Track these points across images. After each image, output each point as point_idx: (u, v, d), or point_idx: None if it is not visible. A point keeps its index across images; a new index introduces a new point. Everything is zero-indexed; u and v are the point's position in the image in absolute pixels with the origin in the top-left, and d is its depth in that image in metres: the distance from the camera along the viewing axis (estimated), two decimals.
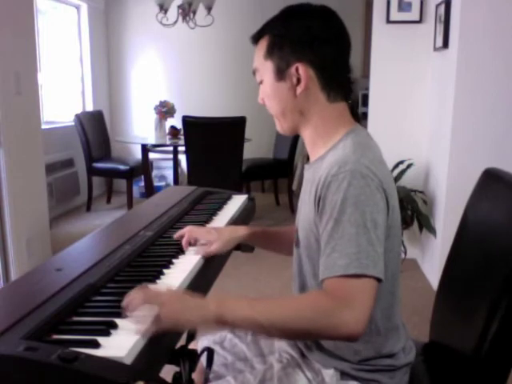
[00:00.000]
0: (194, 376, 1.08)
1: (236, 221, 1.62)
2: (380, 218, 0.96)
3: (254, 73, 1.16)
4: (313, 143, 1.13)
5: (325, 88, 1.09)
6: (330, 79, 1.09)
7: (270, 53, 1.10)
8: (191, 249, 1.30)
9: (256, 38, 1.14)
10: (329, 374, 1.11)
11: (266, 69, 1.11)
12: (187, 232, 1.33)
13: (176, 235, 1.34)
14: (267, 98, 1.14)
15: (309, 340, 1.15)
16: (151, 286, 0.97)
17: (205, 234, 1.32)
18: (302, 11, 1.11)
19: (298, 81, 1.07)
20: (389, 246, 1.01)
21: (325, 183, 0.99)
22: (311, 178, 1.10)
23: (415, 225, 3.31)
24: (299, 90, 1.08)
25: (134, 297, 0.91)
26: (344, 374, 1.10)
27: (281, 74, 1.09)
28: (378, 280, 0.93)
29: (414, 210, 3.26)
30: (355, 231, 0.93)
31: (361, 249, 0.92)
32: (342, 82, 1.12)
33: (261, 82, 1.14)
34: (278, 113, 1.14)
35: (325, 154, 1.09)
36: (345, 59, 1.11)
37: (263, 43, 1.11)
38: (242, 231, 1.36)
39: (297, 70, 1.07)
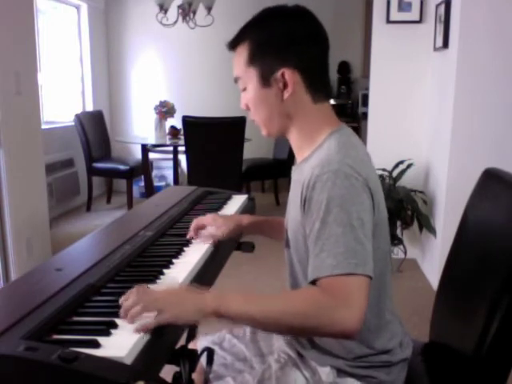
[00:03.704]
0: (194, 376, 1.08)
1: None
2: (366, 216, 0.96)
3: (235, 81, 1.14)
4: (299, 145, 1.13)
5: (310, 90, 1.08)
6: (315, 80, 1.09)
7: (253, 60, 1.08)
8: (194, 245, 1.33)
9: (234, 45, 1.12)
10: (325, 371, 1.11)
11: (249, 76, 1.10)
12: (195, 220, 1.39)
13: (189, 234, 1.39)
14: (252, 104, 1.12)
15: (304, 336, 1.15)
16: (145, 290, 0.96)
17: (211, 221, 1.38)
18: (279, 14, 1.10)
19: (285, 85, 1.06)
20: (375, 244, 1.01)
21: (309, 184, 0.99)
22: (297, 179, 1.10)
23: (415, 225, 3.31)
24: (286, 94, 1.07)
25: (131, 304, 0.90)
26: (340, 372, 1.11)
27: (266, 80, 1.07)
28: (370, 277, 0.93)
29: (414, 210, 3.26)
30: (342, 231, 0.93)
31: (348, 248, 0.92)
32: (325, 82, 1.12)
33: (244, 89, 1.13)
34: (265, 118, 1.12)
35: (310, 154, 1.09)
36: (326, 58, 1.11)
37: (243, 50, 1.09)
38: (246, 220, 1.41)
39: (282, 75, 1.06)
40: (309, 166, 1.04)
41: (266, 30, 1.08)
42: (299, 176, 1.09)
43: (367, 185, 0.98)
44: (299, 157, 1.14)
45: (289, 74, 1.05)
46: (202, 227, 1.39)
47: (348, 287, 0.91)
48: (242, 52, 1.09)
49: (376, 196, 1.01)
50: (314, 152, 1.08)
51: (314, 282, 0.95)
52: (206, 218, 1.39)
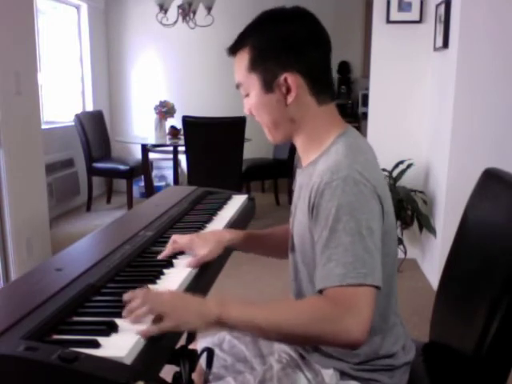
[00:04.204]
0: (194, 376, 1.08)
1: (236, 221, 1.61)
2: (375, 224, 0.96)
3: (237, 86, 1.13)
4: (306, 148, 1.12)
5: (314, 92, 1.07)
6: (318, 82, 1.07)
7: (254, 66, 1.07)
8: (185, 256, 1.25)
9: (234, 50, 1.10)
10: (328, 374, 1.10)
11: (251, 82, 1.08)
12: (171, 245, 1.25)
13: (161, 256, 1.23)
14: (256, 110, 1.11)
15: (308, 345, 1.15)
16: (151, 292, 0.96)
17: (189, 245, 1.24)
18: (278, 17, 1.08)
19: (288, 90, 1.05)
20: (385, 250, 1.00)
21: (318, 190, 0.98)
22: (304, 183, 1.09)
23: (415, 225, 3.31)
24: (290, 99, 1.05)
25: (135, 305, 0.90)
26: (344, 374, 1.10)
27: (268, 85, 1.06)
28: (377, 287, 0.92)
29: (414, 210, 3.26)
30: (351, 240, 0.92)
31: (357, 258, 0.91)
32: (329, 83, 1.11)
33: (247, 95, 1.11)
34: (269, 123, 1.11)
35: (317, 158, 1.07)
36: (328, 59, 1.10)
37: (244, 56, 1.08)
38: (229, 235, 1.29)
39: (285, 80, 1.04)
40: (317, 171, 1.03)
41: (265, 34, 1.07)
42: (306, 180, 1.07)
43: (376, 191, 0.97)
44: (305, 160, 1.12)
45: (291, 79, 1.04)
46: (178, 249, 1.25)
47: (355, 297, 0.90)
48: (243, 58, 1.08)
49: (385, 202, 1.00)
50: (322, 156, 1.06)
51: (321, 292, 0.94)
52: (183, 241, 1.24)
